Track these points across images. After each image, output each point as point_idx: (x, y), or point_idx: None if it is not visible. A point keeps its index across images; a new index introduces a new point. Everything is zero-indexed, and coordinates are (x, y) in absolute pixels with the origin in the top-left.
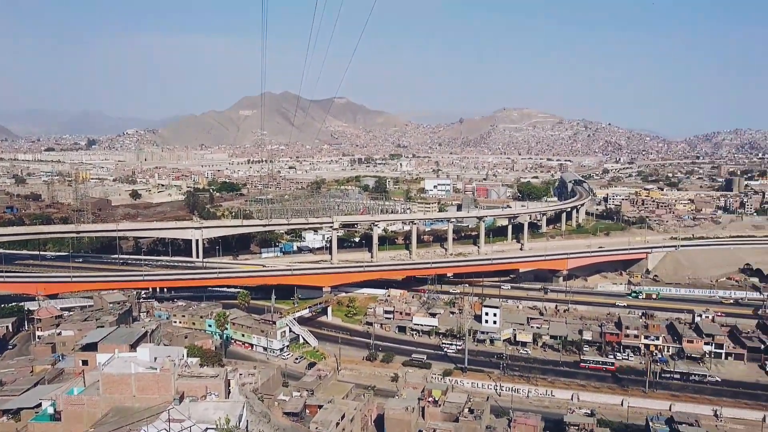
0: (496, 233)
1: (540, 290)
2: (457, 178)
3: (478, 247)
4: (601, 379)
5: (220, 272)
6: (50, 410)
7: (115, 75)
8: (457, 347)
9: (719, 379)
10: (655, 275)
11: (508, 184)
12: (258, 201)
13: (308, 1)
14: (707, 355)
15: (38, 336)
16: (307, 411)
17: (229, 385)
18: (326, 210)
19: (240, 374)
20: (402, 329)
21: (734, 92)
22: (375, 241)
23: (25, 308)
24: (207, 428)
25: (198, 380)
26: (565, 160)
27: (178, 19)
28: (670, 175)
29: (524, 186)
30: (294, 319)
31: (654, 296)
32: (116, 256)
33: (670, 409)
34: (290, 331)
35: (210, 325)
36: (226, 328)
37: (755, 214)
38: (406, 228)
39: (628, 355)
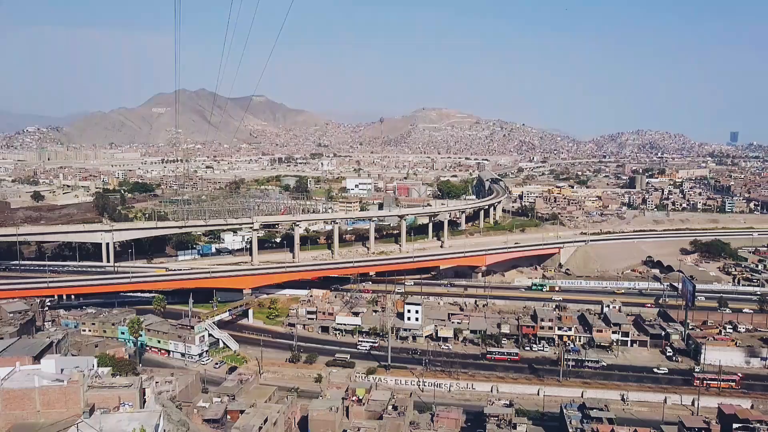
0: (417, 231)
1: (461, 287)
2: (378, 177)
3: (400, 245)
4: (519, 371)
5: (133, 277)
6: None
7: (12, 69)
8: (371, 344)
9: (605, 364)
10: (567, 269)
11: (428, 182)
12: (173, 202)
13: None
14: (615, 343)
15: None
16: (229, 417)
17: (144, 395)
18: (246, 210)
19: (156, 382)
20: (325, 329)
21: (636, 95)
22: (296, 241)
23: None
24: None
25: (110, 391)
26: (483, 159)
27: (82, 11)
28: (580, 173)
29: (444, 185)
30: (213, 323)
31: (557, 288)
32: (17, 262)
33: (582, 396)
34: (209, 335)
35: (123, 333)
36: (141, 335)
37: (656, 209)
38: (328, 227)
39: (543, 346)
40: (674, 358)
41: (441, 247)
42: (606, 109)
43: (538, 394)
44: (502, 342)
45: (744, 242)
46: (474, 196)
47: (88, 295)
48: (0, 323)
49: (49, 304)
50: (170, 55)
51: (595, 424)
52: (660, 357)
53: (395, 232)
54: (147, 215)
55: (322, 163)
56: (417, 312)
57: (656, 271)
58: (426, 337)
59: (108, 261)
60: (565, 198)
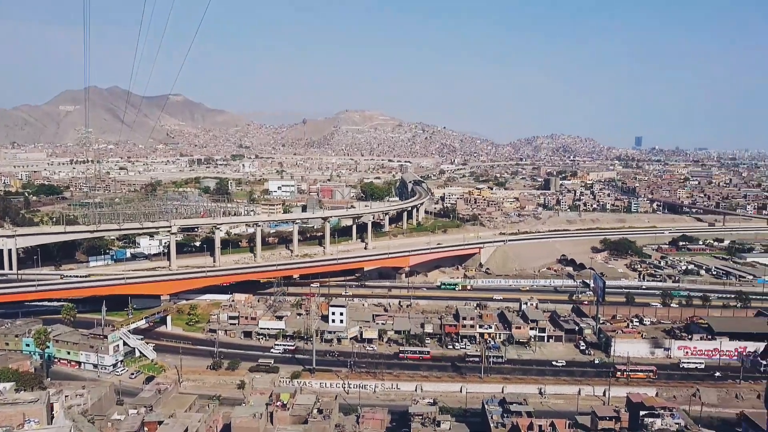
0: (341, 233)
1: (385, 288)
2: (301, 179)
3: (324, 247)
4: (442, 369)
5: (39, 284)
6: None
7: None
8: (284, 347)
9: (504, 359)
10: (488, 268)
11: (352, 184)
12: (84, 205)
13: None
14: (533, 339)
15: None
16: (146, 429)
17: (52, 410)
18: (163, 213)
19: (66, 396)
20: (248, 334)
21: (550, 100)
22: (217, 244)
23: None
24: None
25: (13, 407)
26: (405, 162)
27: None
28: (498, 175)
29: (367, 186)
30: (129, 331)
31: (468, 287)
32: None
33: (502, 391)
34: (125, 344)
35: (28, 345)
36: (48, 347)
37: (569, 210)
38: (251, 230)
39: (465, 344)
40: (587, 352)
41: (365, 248)
42: (523, 114)
43: (461, 391)
44: (426, 341)
45: (648, 240)
46: (397, 198)
47: None
48: None
49: None
50: (80, 49)
51: (515, 418)
52: (574, 351)
53: (319, 234)
54: (54, 219)
55: (243, 165)
56: (341, 314)
57: (570, 269)
58: (351, 338)
59: (10, 268)
60: (484, 199)
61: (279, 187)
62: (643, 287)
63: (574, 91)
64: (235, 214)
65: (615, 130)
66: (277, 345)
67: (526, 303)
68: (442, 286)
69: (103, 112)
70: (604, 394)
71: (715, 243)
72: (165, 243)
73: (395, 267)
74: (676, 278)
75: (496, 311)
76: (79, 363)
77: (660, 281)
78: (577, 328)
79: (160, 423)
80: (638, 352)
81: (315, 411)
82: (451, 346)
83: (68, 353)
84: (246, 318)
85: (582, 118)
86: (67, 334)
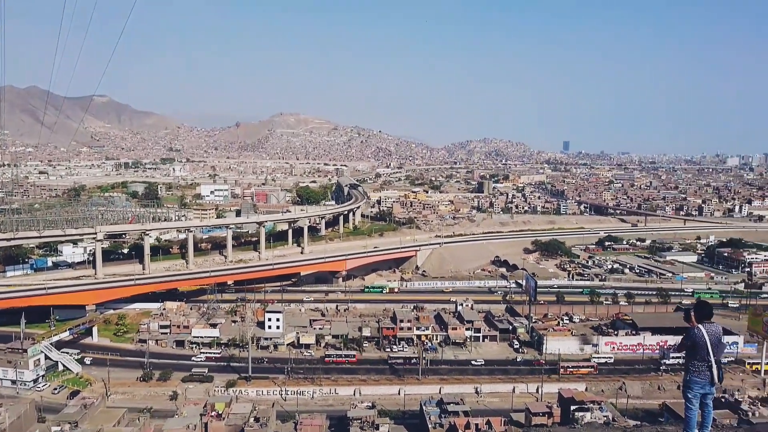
0: (277, 238)
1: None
2: (235, 184)
3: (259, 252)
4: (380, 372)
5: None
6: None
7: None
8: (207, 355)
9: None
10: (424, 270)
11: (288, 188)
12: (0, 211)
13: None
14: (468, 340)
15: None
16: None
17: None
18: (88, 220)
19: None
20: (180, 343)
21: (482, 105)
22: (147, 251)
23: None
24: None
25: None
26: (341, 165)
27: None
28: (434, 178)
29: (303, 190)
30: (51, 344)
31: (396, 290)
32: None
33: (440, 392)
34: (46, 358)
35: None
36: None
37: (501, 212)
38: (182, 236)
39: (403, 346)
40: (520, 350)
41: (301, 253)
42: (456, 118)
43: (399, 393)
44: (364, 345)
45: (576, 241)
46: (333, 202)
47: None
48: None
49: None
50: None
51: (452, 418)
52: (508, 350)
53: (254, 239)
54: None
55: (174, 169)
56: (278, 320)
57: (503, 270)
58: (288, 344)
59: None
60: (420, 203)
61: (212, 192)
62: (573, 286)
63: (505, 95)
64: (165, 220)
65: (544, 135)
66: (202, 353)
67: (461, 304)
68: (366, 290)
69: (20, 113)
70: (537, 391)
71: (638, 242)
72: (90, 251)
73: (332, 271)
74: (603, 277)
75: (432, 313)
76: None
77: (588, 280)
78: (511, 327)
79: None
80: (569, 349)
81: (251, 420)
82: (389, 349)
83: None
84: (178, 326)
85: (513, 123)
86: None
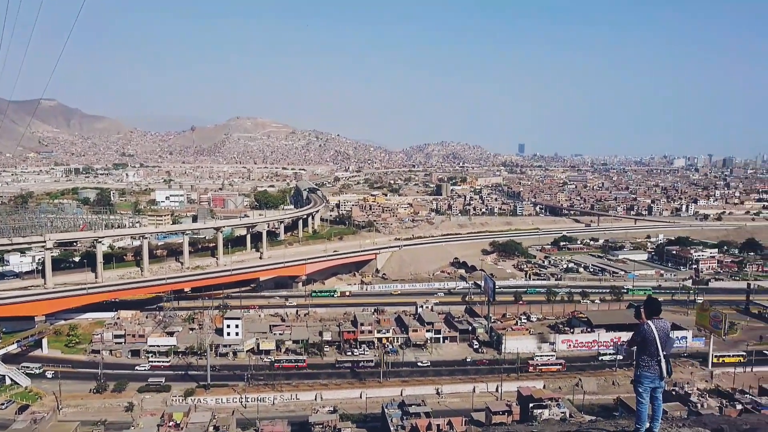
0: (235, 243)
1: (282, 297)
2: (191, 189)
3: (217, 258)
4: (341, 376)
5: None
6: None
7: None
8: (153, 363)
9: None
10: (384, 273)
11: (245, 193)
12: None
13: None
14: (429, 341)
15: None
16: None
17: None
18: (36, 227)
19: None
20: (136, 353)
21: (439, 109)
22: (99, 259)
23: None
24: None
25: None
26: (300, 169)
27: None
28: (392, 182)
29: (261, 195)
30: None
31: (347, 293)
32: None
33: (401, 394)
34: None
35: None
36: None
37: (460, 214)
38: (137, 243)
39: (364, 349)
40: (480, 350)
41: (260, 258)
42: (414, 121)
43: (361, 397)
44: (325, 349)
45: (532, 241)
46: (292, 206)
47: None
48: None
49: None
50: None
51: (414, 420)
52: (468, 350)
53: (212, 245)
54: None
55: (127, 174)
56: (237, 326)
57: (462, 271)
58: (248, 351)
59: None
60: (379, 206)
61: (167, 197)
62: (530, 286)
63: (462, 99)
64: (118, 227)
65: (500, 138)
66: (150, 361)
67: (422, 306)
68: (313, 294)
69: None
70: (497, 390)
71: (591, 242)
72: (39, 259)
73: (292, 276)
74: (559, 276)
75: (393, 315)
76: None
77: (544, 279)
78: (470, 328)
79: None
80: (527, 348)
81: (211, 428)
82: (350, 353)
83: None
84: (133, 336)
85: (470, 126)
86: None
